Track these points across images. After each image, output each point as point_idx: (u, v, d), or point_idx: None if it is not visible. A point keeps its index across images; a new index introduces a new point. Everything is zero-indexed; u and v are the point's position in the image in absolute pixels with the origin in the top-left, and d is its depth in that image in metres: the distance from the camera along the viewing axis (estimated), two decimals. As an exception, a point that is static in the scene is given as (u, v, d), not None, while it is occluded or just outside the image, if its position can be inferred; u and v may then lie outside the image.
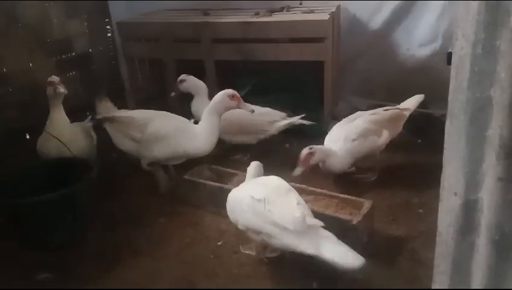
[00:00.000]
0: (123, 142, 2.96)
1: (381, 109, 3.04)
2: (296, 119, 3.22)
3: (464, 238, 1.25)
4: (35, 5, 3.75)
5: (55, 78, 2.88)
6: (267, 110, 3.27)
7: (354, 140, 2.80)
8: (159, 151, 2.83)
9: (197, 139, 2.78)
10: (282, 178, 2.26)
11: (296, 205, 2.02)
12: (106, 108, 3.15)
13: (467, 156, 1.18)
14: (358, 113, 3.04)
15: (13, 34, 3.59)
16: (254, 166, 2.41)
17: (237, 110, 2.78)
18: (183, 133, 2.81)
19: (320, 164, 2.79)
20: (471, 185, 1.20)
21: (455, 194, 1.23)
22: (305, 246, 1.92)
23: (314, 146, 2.69)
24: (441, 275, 1.36)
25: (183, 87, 3.27)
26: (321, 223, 1.97)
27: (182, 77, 3.27)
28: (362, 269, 1.85)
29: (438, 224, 1.33)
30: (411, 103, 3.11)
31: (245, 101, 2.81)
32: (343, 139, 2.80)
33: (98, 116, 3.09)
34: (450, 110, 1.22)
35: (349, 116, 3.02)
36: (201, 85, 3.29)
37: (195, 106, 3.26)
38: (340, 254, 1.87)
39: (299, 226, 1.92)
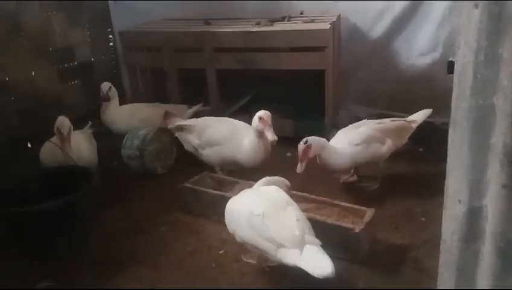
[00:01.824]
0: (189, 149, 3.09)
1: (388, 119, 3.05)
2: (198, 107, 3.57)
3: (468, 246, 1.24)
4: (38, 15, 3.79)
5: None
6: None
7: (357, 145, 2.80)
8: (211, 157, 2.97)
9: (244, 150, 2.84)
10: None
11: (296, 222, 1.96)
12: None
13: (470, 163, 1.18)
14: (364, 121, 3.06)
15: (16, 43, 3.62)
16: (263, 182, 2.32)
17: None
18: (233, 141, 2.89)
19: (318, 159, 2.75)
20: (475, 193, 1.19)
21: (459, 201, 1.23)
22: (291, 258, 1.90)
23: (308, 138, 2.65)
24: (445, 283, 1.35)
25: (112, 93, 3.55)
26: (319, 243, 1.92)
27: (106, 84, 3.53)
28: (331, 277, 1.80)
29: (442, 232, 1.33)
30: (419, 116, 3.11)
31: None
32: (347, 143, 2.81)
33: (170, 126, 3.23)
34: (453, 118, 1.22)
35: (354, 124, 3.02)
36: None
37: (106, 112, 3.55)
38: (313, 263, 1.84)
39: (298, 244, 1.90)
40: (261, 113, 2.73)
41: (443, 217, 1.32)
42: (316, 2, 3.90)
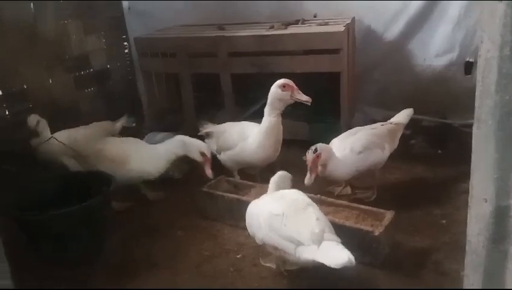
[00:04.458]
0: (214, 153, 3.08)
1: (378, 123, 2.98)
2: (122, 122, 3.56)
3: (495, 246, 1.21)
4: (55, 23, 3.85)
5: None
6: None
7: (360, 152, 2.69)
8: (226, 161, 3.00)
9: (251, 146, 2.84)
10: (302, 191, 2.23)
11: (316, 221, 1.97)
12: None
13: (496, 161, 1.15)
14: (358, 128, 2.93)
15: (33, 51, 3.68)
16: (278, 176, 2.36)
17: None
18: (243, 143, 2.90)
19: (320, 169, 2.61)
20: (501, 191, 1.17)
21: (485, 200, 1.20)
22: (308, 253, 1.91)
23: (317, 145, 2.56)
24: (471, 286, 1.31)
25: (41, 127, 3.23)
26: (339, 240, 1.93)
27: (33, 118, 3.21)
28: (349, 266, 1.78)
29: (467, 233, 1.30)
30: (402, 117, 3.01)
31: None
32: (349, 151, 2.69)
33: (200, 133, 3.24)
34: (477, 116, 1.20)
35: (349, 131, 2.91)
36: None
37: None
38: (329, 254, 1.84)
39: (316, 241, 1.90)
40: (280, 81, 2.71)
41: (468, 217, 1.28)
42: (330, 5, 3.89)
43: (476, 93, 1.19)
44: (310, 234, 1.92)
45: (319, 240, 1.90)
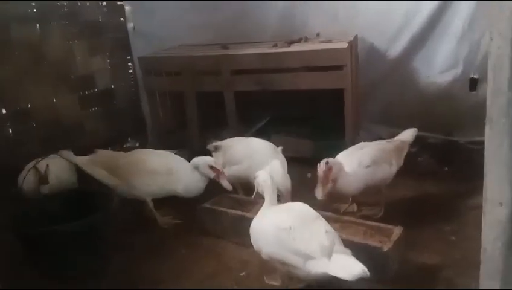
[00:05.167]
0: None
1: (384, 140, 2.95)
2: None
3: (513, 252, 1.15)
4: (60, 43, 3.88)
5: None
6: None
7: (368, 166, 2.64)
8: (230, 176, 2.91)
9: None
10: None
11: (325, 234, 1.92)
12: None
13: (511, 161, 1.11)
14: (363, 143, 2.88)
15: (38, 71, 3.70)
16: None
17: None
18: (249, 161, 2.89)
19: (330, 184, 2.54)
20: (518, 194, 1.11)
21: (500, 204, 1.15)
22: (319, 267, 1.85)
23: (328, 159, 2.51)
24: (488, 296, 1.25)
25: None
26: (349, 252, 1.89)
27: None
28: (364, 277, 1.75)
29: (482, 239, 1.24)
30: (408, 136, 2.98)
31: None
32: (357, 165, 2.62)
33: (208, 146, 3.19)
34: (489, 116, 1.16)
35: (354, 146, 2.86)
36: None
37: None
38: (342, 267, 1.80)
39: (327, 254, 1.85)
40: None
41: (482, 224, 1.23)
42: (333, 24, 3.91)
43: (488, 92, 1.15)
44: (319, 247, 1.86)
45: (329, 253, 1.85)
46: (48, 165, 2.92)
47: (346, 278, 1.75)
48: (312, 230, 1.96)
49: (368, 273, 1.74)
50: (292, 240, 1.93)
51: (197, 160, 2.85)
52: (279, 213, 2.13)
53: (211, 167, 2.78)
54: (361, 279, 1.74)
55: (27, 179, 2.83)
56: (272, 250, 2.02)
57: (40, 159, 2.81)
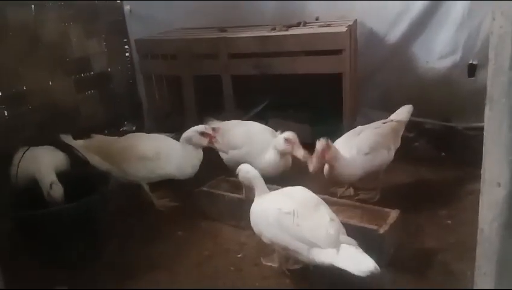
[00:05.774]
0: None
1: (380, 121, 2.91)
2: None
3: (510, 233, 1.15)
4: (56, 26, 3.82)
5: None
6: None
7: (367, 153, 2.64)
8: (228, 161, 2.96)
9: (264, 162, 2.84)
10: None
11: (330, 221, 1.91)
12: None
13: (510, 142, 1.10)
14: (360, 127, 2.87)
15: (34, 54, 3.65)
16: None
17: None
18: (250, 147, 2.91)
19: (326, 170, 2.60)
20: (516, 174, 1.11)
21: (498, 185, 1.15)
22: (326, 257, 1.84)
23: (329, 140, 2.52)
24: (484, 276, 1.25)
25: None
26: (355, 243, 1.88)
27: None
28: (375, 274, 1.75)
29: (479, 220, 1.24)
30: (403, 114, 2.97)
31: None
32: (356, 152, 2.63)
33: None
34: (490, 96, 1.15)
35: (352, 130, 2.86)
36: None
37: None
38: (353, 261, 1.78)
39: (333, 244, 1.84)
40: (288, 134, 2.75)
41: (480, 204, 1.23)
42: (332, 8, 3.87)
43: (489, 72, 1.14)
44: (325, 236, 1.85)
45: (335, 243, 1.84)
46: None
47: (356, 273, 1.73)
48: (316, 217, 1.94)
49: (379, 269, 1.73)
50: (296, 226, 1.91)
51: (187, 132, 2.78)
52: (280, 196, 2.11)
53: (202, 134, 2.72)
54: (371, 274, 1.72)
55: None
56: (273, 234, 2.00)
57: (27, 148, 2.67)
